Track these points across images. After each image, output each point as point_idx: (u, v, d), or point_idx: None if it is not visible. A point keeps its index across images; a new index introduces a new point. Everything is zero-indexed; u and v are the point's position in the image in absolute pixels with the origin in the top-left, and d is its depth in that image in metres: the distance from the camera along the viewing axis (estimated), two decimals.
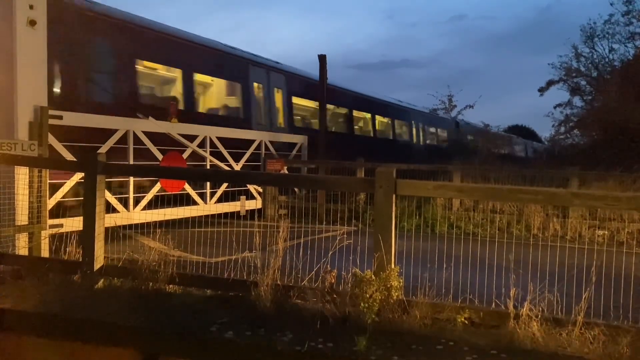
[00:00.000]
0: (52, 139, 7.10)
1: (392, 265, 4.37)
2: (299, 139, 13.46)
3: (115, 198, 8.30)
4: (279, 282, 4.72)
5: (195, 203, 9.77)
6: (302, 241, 5.59)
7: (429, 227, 10.15)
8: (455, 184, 8.48)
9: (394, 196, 4.39)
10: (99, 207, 5.23)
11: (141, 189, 8.92)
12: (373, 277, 4.28)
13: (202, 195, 10.07)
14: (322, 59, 14.62)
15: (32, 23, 6.44)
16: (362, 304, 4.18)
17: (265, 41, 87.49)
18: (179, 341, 4.09)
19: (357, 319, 4.20)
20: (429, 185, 4.61)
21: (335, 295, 4.41)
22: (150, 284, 5.07)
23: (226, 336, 4.01)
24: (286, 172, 12.17)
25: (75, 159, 7.36)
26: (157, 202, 8.62)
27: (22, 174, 6.28)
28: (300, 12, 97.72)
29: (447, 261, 4.94)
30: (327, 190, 10.75)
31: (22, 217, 6.29)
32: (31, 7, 6.45)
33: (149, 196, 8.72)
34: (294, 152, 13.26)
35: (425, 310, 4.22)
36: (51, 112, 6.82)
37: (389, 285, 4.25)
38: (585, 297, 3.96)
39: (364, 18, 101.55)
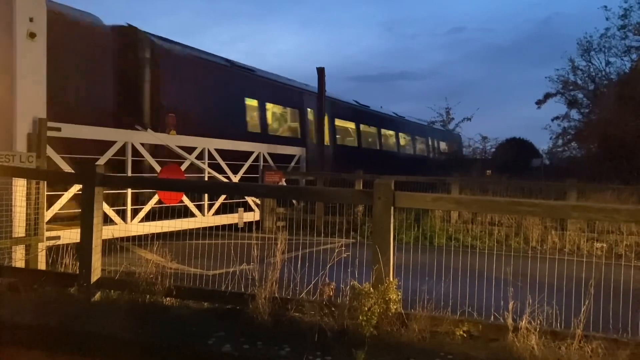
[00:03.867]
0: (50, 151, 7.10)
1: (391, 278, 4.35)
2: (297, 151, 13.48)
3: (113, 210, 8.28)
4: (276, 294, 4.69)
5: (193, 215, 9.76)
6: (300, 253, 5.57)
7: (427, 239, 10.15)
8: (453, 196, 8.48)
9: (392, 208, 4.38)
10: (97, 219, 5.21)
11: (139, 201, 8.91)
12: (371, 289, 4.26)
13: (200, 208, 10.06)
14: (320, 71, 14.74)
15: (32, 35, 6.48)
16: (360, 317, 4.16)
17: (264, 53, 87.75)
18: (176, 354, 4.06)
19: (355, 332, 4.17)
20: (428, 198, 4.61)
21: (333, 308, 4.39)
22: (147, 296, 5.04)
23: (223, 349, 3.98)
24: (285, 184, 12.18)
25: (73, 171, 7.35)
26: (155, 214, 8.60)
27: (19, 186, 6.28)
28: (299, 25, 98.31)
29: (445, 274, 4.94)
30: (325, 201, 10.75)
31: (19, 229, 6.27)
32: (31, 19, 6.50)
33: (146, 208, 8.70)
34: (292, 163, 13.28)
35: (424, 323, 4.20)
36: (49, 124, 6.84)
37: (387, 298, 4.23)
38: (584, 310, 3.95)
39: (362, 30, 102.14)
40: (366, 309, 4.17)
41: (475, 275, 4.98)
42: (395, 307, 4.27)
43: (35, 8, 6.57)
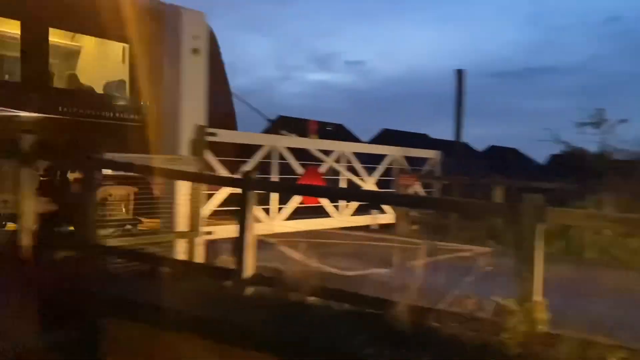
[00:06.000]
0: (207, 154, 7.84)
1: (539, 298, 4.19)
2: (432, 154, 13.33)
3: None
4: (415, 303, 4.74)
5: (330, 215, 10.13)
6: (435, 259, 5.56)
7: (574, 251, 9.46)
8: (610, 215, 7.77)
9: (540, 225, 4.20)
10: (250, 220, 5.66)
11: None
12: (516, 307, 4.15)
13: (337, 208, 10.40)
14: (459, 73, 14.43)
15: (196, 52, 7.20)
16: (503, 334, 4.07)
17: (397, 52, 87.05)
18: (320, 355, 4.28)
19: (497, 348, 4.08)
20: (579, 214, 4.36)
21: (473, 322, 4.34)
22: (293, 294, 5.35)
23: (365, 352, 4.12)
24: (419, 187, 12.16)
25: (232, 176, 8.03)
26: (296, 213, 9.13)
27: (182, 186, 7.03)
28: (435, 22, 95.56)
29: (598, 292, 4.64)
30: (464, 215, 10.46)
31: (181, 224, 7.03)
32: (195, 37, 7.22)
33: (290, 208, 9.25)
34: (427, 167, 13.16)
35: (572, 346, 3.99)
36: (207, 129, 7.56)
37: (533, 317, 4.09)
38: None
39: (504, 24, 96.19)
40: (510, 326, 4.06)
41: (635, 296, 4.61)
42: (541, 327, 4.11)
43: (199, 26, 7.29)
